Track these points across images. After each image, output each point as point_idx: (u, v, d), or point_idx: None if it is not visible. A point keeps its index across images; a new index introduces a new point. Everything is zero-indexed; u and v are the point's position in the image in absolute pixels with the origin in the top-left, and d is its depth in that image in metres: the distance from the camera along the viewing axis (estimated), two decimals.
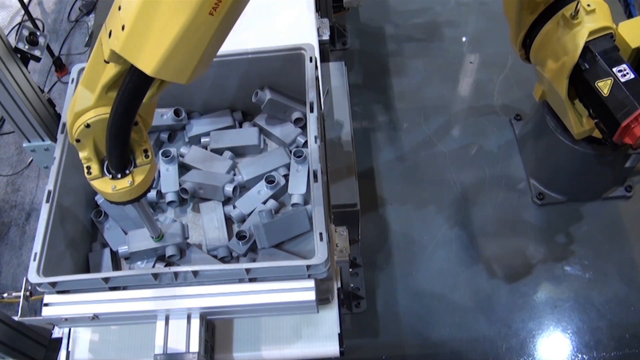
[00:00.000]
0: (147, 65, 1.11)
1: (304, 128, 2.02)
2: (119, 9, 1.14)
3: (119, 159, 1.36)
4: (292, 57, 1.87)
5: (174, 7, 1.07)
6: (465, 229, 3.01)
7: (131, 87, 1.19)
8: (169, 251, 1.76)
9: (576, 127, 2.56)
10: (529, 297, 2.79)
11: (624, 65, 2.27)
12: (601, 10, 2.33)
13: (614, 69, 2.27)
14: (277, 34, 2.37)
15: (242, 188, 1.95)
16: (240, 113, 2.12)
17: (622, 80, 2.25)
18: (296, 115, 2.01)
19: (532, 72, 2.75)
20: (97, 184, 1.42)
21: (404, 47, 3.80)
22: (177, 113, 2.01)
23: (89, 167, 1.41)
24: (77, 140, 1.37)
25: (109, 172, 1.40)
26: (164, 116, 2.01)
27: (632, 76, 2.25)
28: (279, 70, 1.93)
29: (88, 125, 1.32)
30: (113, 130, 1.28)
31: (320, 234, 1.51)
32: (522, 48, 2.60)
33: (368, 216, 3.06)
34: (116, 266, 1.84)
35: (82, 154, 1.40)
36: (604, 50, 2.30)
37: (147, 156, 1.41)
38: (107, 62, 1.22)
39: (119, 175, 1.39)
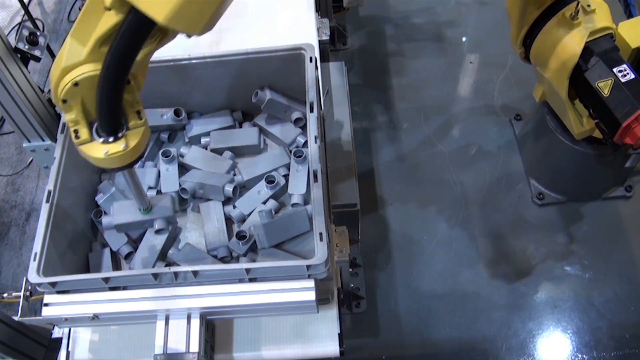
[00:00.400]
0: (160, 11, 1.01)
1: (304, 128, 2.02)
2: None
3: (111, 120, 1.25)
4: (292, 57, 1.87)
5: None
6: (465, 229, 3.01)
7: (128, 35, 1.08)
8: (157, 224, 1.71)
9: (576, 128, 2.56)
10: (529, 297, 2.79)
11: (624, 66, 2.27)
12: (601, 10, 2.33)
13: (615, 69, 2.27)
14: (277, 34, 2.38)
15: (242, 188, 1.95)
16: (240, 113, 2.12)
17: (623, 80, 2.25)
18: (296, 115, 2.01)
19: (532, 72, 2.75)
20: (86, 149, 1.29)
21: (404, 47, 3.80)
22: (177, 113, 2.01)
23: (76, 131, 1.27)
24: (64, 101, 1.24)
25: (99, 136, 1.28)
26: (164, 116, 2.01)
27: (633, 76, 2.25)
28: (279, 70, 1.93)
29: (76, 84, 1.20)
30: (105, 86, 1.17)
31: (320, 234, 1.51)
32: (522, 46, 2.60)
33: (368, 216, 3.06)
34: (116, 266, 1.84)
35: (69, 116, 1.27)
36: (604, 50, 2.30)
37: (140, 118, 1.31)
38: (109, 9, 1.10)
39: (111, 139, 1.27)
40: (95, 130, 1.29)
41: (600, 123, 2.40)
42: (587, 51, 2.31)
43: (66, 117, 1.28)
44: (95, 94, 1.20)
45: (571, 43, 2.32)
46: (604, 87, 2.27)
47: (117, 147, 1.28)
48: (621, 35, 2.43)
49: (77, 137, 1.28)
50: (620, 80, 2.25)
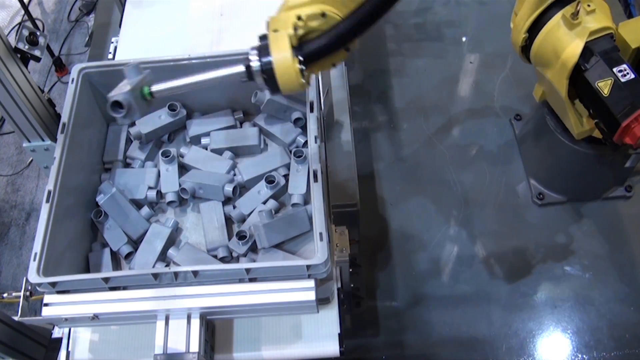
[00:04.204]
0: None
1: (304, 128, 2.02)
2: None
3: (321, 51, 1.37)
4: None
5: None
6: (465, 229, 3.01)
7: None
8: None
9: (576, 128, 2.56)
10: (529, 297, 2.79)
11: (624, 66, 2.27)
12: (601, 10, 2.33)
13: (614, 69, 2.27)
14: None
15: (242, 188, 1.95)
16: (240, 113, 2.12)
17: (623, 80, 2.24)
18: (296, 115, 2.01)
19: (532, 72, 2.75)
20: (284, 60, 1.35)
21: (404, 47, 3.79)
22: (172, 108, 2.00)
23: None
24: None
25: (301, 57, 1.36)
26: (162, 116, 2.01)
27: (633, 76, 2.25)
28: None
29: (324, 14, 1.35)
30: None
31: (320, 234, 1.51)
32: (527, 35, 2.59)
33: (368, 216, 3.06)
34: (116, 266, 1.84)
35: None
36: (604, 50, 2.30)
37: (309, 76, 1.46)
38: None
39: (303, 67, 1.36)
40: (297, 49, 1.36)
41: (599, 123, 2.40)
42: (587, 51, 2.31)
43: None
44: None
45: (571, 43, 2.32)
46: (604, 86, 2.27)
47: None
48: (621, 35, 2.43)
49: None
50: (620, 80, 2.25)
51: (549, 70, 2.47)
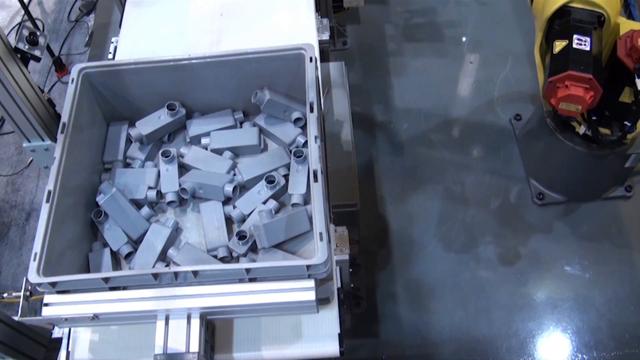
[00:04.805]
0: None
1: (304, 128, 2.02)
2: None
3: None
4: (292, 57, 1.87)
5: None
6: (465, 229, 3.01)
7: None
8: None
9: (541, 90, 2.63)
10: (529, 297, 2.79)
11: (587, 38, 2.33)
12: None
13: (575, 35, 2.33)
14: (277, 34, 2.37)
15: (242, 188, 1.95)
16: (240, 113, 2.12)
17: (575, 46, 2.31)
18: (296, 115, 2.01)
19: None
20: None
21: (404, 47, 3.80)
22: (171, 107, 2.00)
23: None
24: None
25: None
26: (161, 117, 2.01)
27: (587, 48, 2.31)
28: (279, 70, 1.93)
29: None
30: None
31: (320, 234, 1.51)
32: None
33: (368, 216, 3.06)
34: (116, 266, 1.84)
35: None
36: (580, 19, 2.38)
37: None
38: None
39: None
40: None
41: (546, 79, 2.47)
42: (566, 14, 2.40)
43: None
44: None
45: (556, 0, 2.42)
46: (558, 46, 2.35)
47: None
48: (620, 30, 2.45)
49: None
50: (572, 45, 2.31)
51: (536, 23, 2.58)
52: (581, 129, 2.67)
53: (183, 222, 1.92)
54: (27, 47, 2.04)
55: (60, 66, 3.96)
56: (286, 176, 1.93)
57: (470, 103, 3.50)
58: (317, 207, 1.56)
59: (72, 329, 1.77)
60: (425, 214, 3.08)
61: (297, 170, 1.89)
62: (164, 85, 1.95)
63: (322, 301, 1.72)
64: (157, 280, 1.54)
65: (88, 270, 1.80)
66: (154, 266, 1.79)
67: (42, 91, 2.19)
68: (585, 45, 2.30)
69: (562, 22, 2.42)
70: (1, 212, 3.43)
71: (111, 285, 1.55)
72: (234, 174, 1.96)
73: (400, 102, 3.53)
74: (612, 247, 2.91)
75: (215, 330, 1.74)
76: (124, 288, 1.58)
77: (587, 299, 2.77)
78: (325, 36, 2.40)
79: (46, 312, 1.55)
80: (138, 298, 1.54)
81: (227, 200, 1.92)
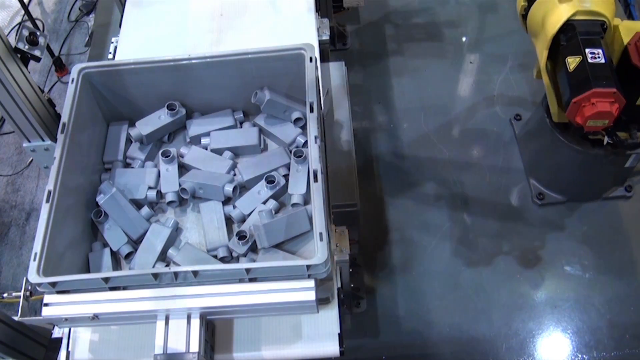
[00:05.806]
0: None
1: (304, 128, 2.02)
2: None
3: None
4: (292, 57, 1.87)
5: None
6: (466, 229, 3.01)
7: None
8: None
9: (552, 107, 2.59)
10: (529, 297, 2.79)
11: (599, 50, 2.31)
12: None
13: (587, 50, 2.31)
14: (277, 34, 2.38)
15: (242, 188, 1.95)
16: (240, 113, 2.12)
17: (590, 61, 2.29)
18: (296, 115, 2.01)
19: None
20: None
21: (404, 47, 3.80)
22: (171, 107, 2.00)
23: None
24: None
25: None
26: (161, 117, 2.01)
27: (602, 61, 2.28)
28: (279, 70, 1.93)
29: None
30: None
31: (320, 234, 1.51)
32: (526, 3, 2.64)
33: (368, 216, 3.06)
34: (116, 266, 1.84)
35: None
36: (586, 31, 2.35)
37: None
38: None
39: None
40: None
41: (562, 99, 2.44)
42: (570, 27, 2.37)
43: None
44: None
45: (557, 14, 2.38)
46: (572, 62, 2.32)
47: None
48: (619, 30, 2.44)
49: None
50: (587, 60, 2.29)
51: (536, 41, 2.52)
52: (605, 139, 2.64)
53: (183, 222, 1.92)
54: (27, 47, 2.04)
55: (60, 66, 3.96)
56: (286, 176, 1.93)
57: (470, 103, 3.50)
58: (317, 207, 1.56)
59: (72, 329, 1.77)
60: (425, 214, 3.08)
61: (297, 170, 1.89)
62: (164, 85, 1.95)
63: (322, 301, 1.72)
64: (157, 280, 1.54)
65: (88, 270, 1.80)
66: (154, 266, 1.79)
67: (42, 91, 2.18)
68: (599, 58, 2.28)
69: (568, 37, 2.37)
70: (1, 212, 3.43)
71: (111, 285, 1.56)
72: (234, 174, 1.96)
73: (400, 102, 3.53)
74: (612, 247, 2.91)
75: (215, 330, 1.74)
76: (124, 288, 1.58)
77: (587, 299, 2.76)
78: (325, 36, 2.40)
79: (46, 312, 1.55)
80: (138, 298, 1.54)
81: (227, 200, 1.92)
